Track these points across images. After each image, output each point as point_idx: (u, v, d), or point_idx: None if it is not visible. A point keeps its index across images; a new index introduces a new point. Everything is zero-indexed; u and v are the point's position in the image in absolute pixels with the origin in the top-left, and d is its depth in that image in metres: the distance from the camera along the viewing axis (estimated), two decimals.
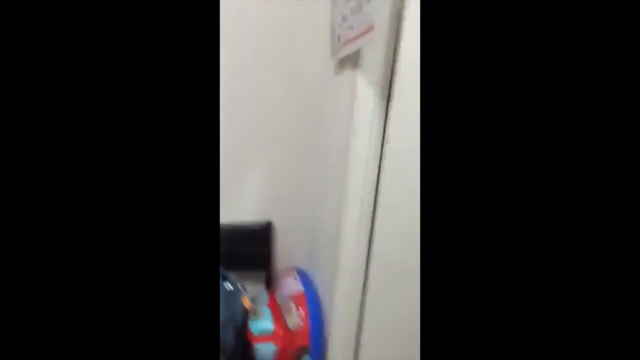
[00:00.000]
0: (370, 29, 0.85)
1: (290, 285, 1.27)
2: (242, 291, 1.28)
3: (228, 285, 1.24)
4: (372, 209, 1.06)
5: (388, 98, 1.01)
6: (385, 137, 1.01)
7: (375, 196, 1.05)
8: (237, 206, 1.40)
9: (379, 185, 1.04)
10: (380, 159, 1.03)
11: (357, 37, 0.95)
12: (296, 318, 1.14)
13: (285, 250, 1.47)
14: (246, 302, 1.27)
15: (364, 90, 1.02)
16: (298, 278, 1.28)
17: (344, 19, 1.18)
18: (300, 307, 1.16)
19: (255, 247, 1.41)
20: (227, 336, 1.18)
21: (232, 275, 1.28)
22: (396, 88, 0.98)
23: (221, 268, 1.30)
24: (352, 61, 1.14)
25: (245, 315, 1.24)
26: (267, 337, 1.18)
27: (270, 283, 1.45)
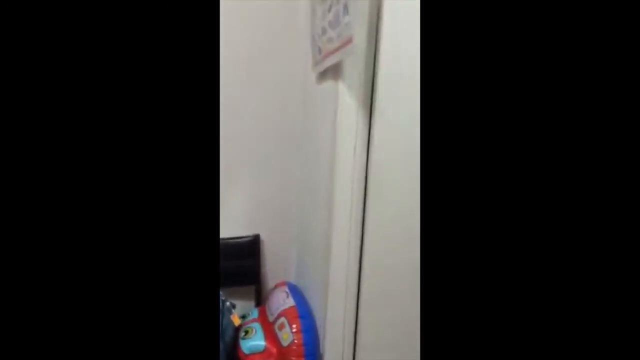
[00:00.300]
0: (349, 41, 0.86)
1: (281, 300, 1.24)
2: (230, 308, 1.25)
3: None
4: (361, 219, 1.06)
5: (370, 107, 1.02)
6: (370, 146, 1.02)
7: (364, 206, 1.05)
8: (224, 220, 1.37)
9: (366, 195, 1.04)
10: (367, 168, 1.03)
11: (337, 50, 0.96)
12: (289, 334, 1.12)
13: (275, 264, 1.45)
14: (235, 320, 1.24)
15: (346, 100, 1.02)
16: (289, 292, 1.26)
17: (324, 31, 1.20)
18: (292, 323, 1.13)
19: (243, 262, 1.38)
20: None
21: (220, 292, 1.24)
22: (377, 96, 0.99)
23: None
24: (333, 73, 1.15)
25: (235, 333, 1.21)
26: (258, 355, 1.15)
27: (260, 298, 1.42)
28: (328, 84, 1.19)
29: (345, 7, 0.87)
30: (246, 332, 1.21)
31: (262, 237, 1.42)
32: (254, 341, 1.17)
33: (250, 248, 1.39)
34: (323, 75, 1.27)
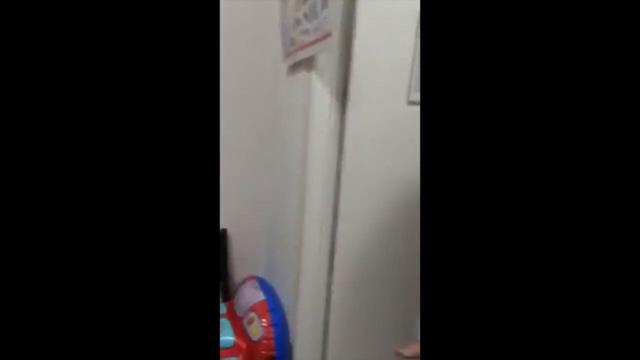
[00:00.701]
0: (328, 34, 0.86)
1: (250, 295, 1.22)
2: None
3: None
4: (333, 211, 1.06)
5: (344, 99, 1.02)
6: (343, 138, 1.02)
7: (336, 199, 1.06)
8: None
9: (339, 187, 1.05)
10: (340, 160, 1.04)
11: (314, 42, 0.95)
12: (259, 328, 1.10)
13: (242, 260, 1.42)
14: None
15: (320, 92, 1.02)
16: (259, 286, 1.24)
17: (298, 22, 1.18)
18: (262, 317, 1.12)
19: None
20: None
21: None
22: (351, 88, 1.00)
23: None
24: (306, 65, 1.14)
25: None
26: (227, 350, 1.12)
27: (227, 294, 1.39)
28: (301, 75, 1.18)
29: (325, 1, 0.86)
30: None
31: (229, 231, 1.39)
32: (223, 336, 1.14)
33: None
34: (295, 66, 1.26)
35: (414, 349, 0.69)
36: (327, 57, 1.01)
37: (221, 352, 1.12)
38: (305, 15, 1.01)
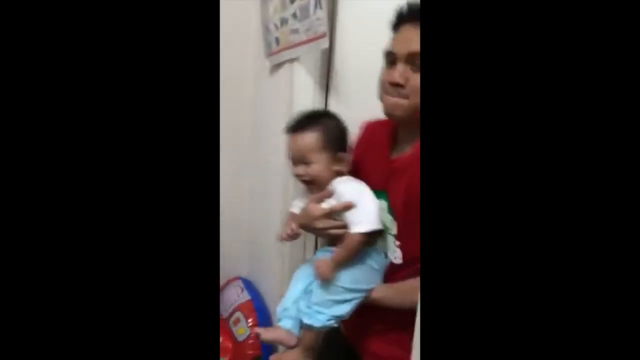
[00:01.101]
0: (322, 35, 0.87)
1: (236, 295, 1.22)
2: None
3: None
4: None
5: (326, 93, 1.04)
6: None
7: None
8: None
9: None
10: None
11: (305, 42, 0.96)
12: (245, 328, 1.10)
13: (225, 260, 1.40)
14: None
15: (303, 86, 1.04)
16: (243, 287, 1.23)
17: (284, 22, 1.18)
18: (249, 316, 1.12)
19: None
20: None
21: None
22: (333, 84, 1.02)
23: None
24: (288, 65, 1.15)
25: None
26: None
27: None
28: (282, 76, 1.19)
29: (318, 2, 0.88)
30: None
31: None
32: None
33: None
34: (277, 66, 1.26)
35: (276, 333, 0.72)
36: (309, 57, 1.03)
37: None
38: (295, 15, 1.02)
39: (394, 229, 0.69)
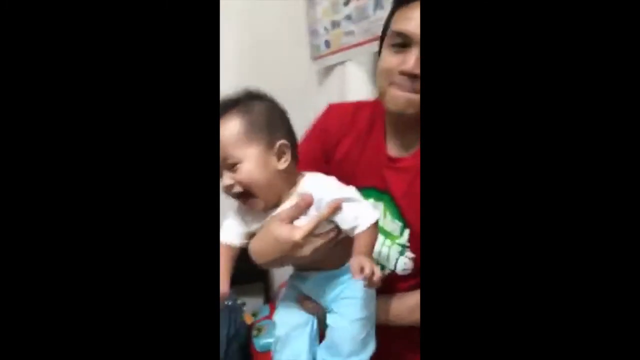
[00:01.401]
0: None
1: None
2: (241, 307, 1.24)
3: (227, 301, 1.19)
4: None
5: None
6: None
7: None
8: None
9: None
10: None
11: (362, 44, 0.95)
12: None
13: None
14: (248, 318, 1.23)
15: (355, 87, 1.03)
16: None
17: (335, 25, 1.18)
18: None
19: (250, 261, 1.37)
20: (230, 355, 1.13)
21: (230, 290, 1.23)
22: None
23: None
24: (339, 69, 1.15)
25: (248, 332, 1.20)
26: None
27: (268, 295, 1.41)
28: (333, 78, 1.19)
29: (379, 2, 0.86)
30: (259, 330, 1.20)
31: None
32: (267, 339, 1.16)
33: None
34: (327, 70, 1.26)
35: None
36: (359, 60, 1.02)
37: (266, 354, 1.14)
38: (349, 17, 1.01)
39: (404, 236, 0.58)
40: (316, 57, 1.32)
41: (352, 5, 1.00)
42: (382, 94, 0.57)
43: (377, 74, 0.58)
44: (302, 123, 1.31)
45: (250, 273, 1.38)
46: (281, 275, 1.43)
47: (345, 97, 1.06)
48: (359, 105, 0.67)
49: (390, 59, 0.54)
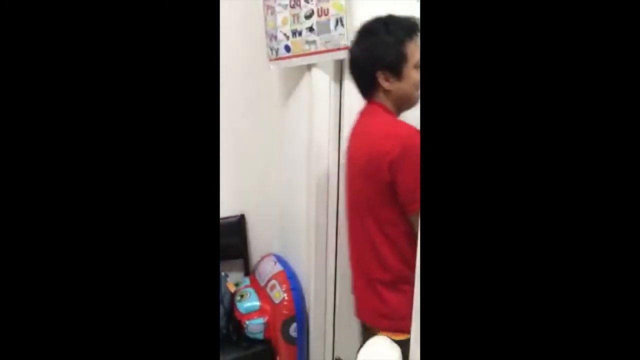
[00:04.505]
0: (345, 47, 1.07)
1: (270, 267, 1.45)
2: (225, 277, 1.43)
3: None
4: (336, 188, 1.28)
5: (340, 93, 1.23)
6: (342, 127, 1.23)
7: (338, 176, 1.26)
8: None
9: (340, 172, 1.26)
10: (339, 148, 1.25)
11: (322, 52, 1.16)
12: (280, 292, 1.33)
13: (259, 240, 1.64)
14: (230, 286, 1.43)
15: (321, 88, 1.23)
16: (276, 260, 1.46)
17: (296, 33, 1.36)
18: (282, 283, 1.35)
19: (231, 239, 1.56)
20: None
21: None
22: (346, 84, 1.20)
23: None
24: (305, 69, 1.34)
25: (232, 298, 1.40)
26: (255, 313, 1.35)
27: (247, 269, 1.61)
28: (302, 80, 1.38)
29: (340, 21, 1.07)
30: (242, 296, 1.40)
31: (247, 216, 1.60)
32: (250, 302, 1.37)
33: (237, 226, 1.57)
34: (294, 70, 1.44)
35: None
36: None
37: (250, 315, 1.35)
38: (311, 29, 1.20)
39: None
40: (274, 59, 1.48)
41: (313, 19, 1.19)
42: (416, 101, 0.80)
43: (411, 88, 0.81)
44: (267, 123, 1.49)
45: (231, 251, 1.57)
46: (259, 251, 1.63)
47: (312, 99, 1.25)
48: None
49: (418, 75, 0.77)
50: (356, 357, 0.81)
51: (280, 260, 1.47)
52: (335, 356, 1.35)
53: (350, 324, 1.20)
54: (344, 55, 1.10)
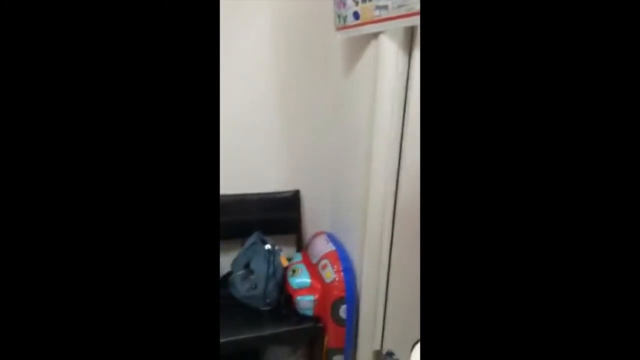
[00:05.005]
0: (419, 12, 0.95)
1: (322, 246, 1.42)
2: (279, 251, 1.43)
3: (267, 246, 1.38)
4: (396, 173, 1.19)
5: (409, 65, 1.11)
6: (408, 104, 1.12)
7: (398, 162, 1.17)
8: (269, 177, 1.53)
9: (402, 152, 1.16)
10: (403, 126, 1.15)
11: (394, 18, 1.05)
12: (331, 272, 1.30)
13: (313, 216, 1.61)
14: (284, 261, 1.43)
15: (386, 58, 1.12)
16: (328, 239, 1.42)
17: None
18: (334, 263, 1.31)
19: (286, 214, 1.55)
20: (270, 291, 1.34)
21: (269, 238, 1.42)
22: (415, 54, 1.08)
23: (259, 232, 1.45)
24: (372, 40, 1.23)
25: (284, 272, 1.40)
26: (306, 289, 1.34)
27: (300, 245, 1.61)
28: (368, 47, 1.28)
29: None
30: (293, 271, 1.40)
31: (302, 192, 1.58)
32: (301, 278, 1.36)
33: (292, 201, 1.56)
34: (358, 40, 1.35)
35: None
36: (392, 32, 1.10)
37: (300, 291, 1.34)
38: None
39: None
40: (342, 27, 1.39)
41: None
42: None
43: None
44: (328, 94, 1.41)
45: (285, 226, 1.56)
46: (311, 230, 1.61)
47: (378, 69, 1.16)
48: None
49: None
50: (410, 352, 0.74)
51: (332, 239, 1.43)
52: (386, 349, 1.30)
53: (402, 314, 1.13)
54: (417, 21, 0.98)
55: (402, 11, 1.05)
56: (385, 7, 1.10)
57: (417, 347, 0.71)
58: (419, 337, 0.76)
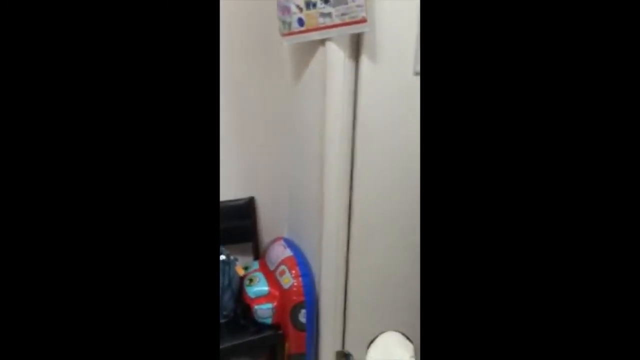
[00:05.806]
0: (362, 20, 0.98)
1: (279, 252, 1.40)
2: (234, 261, 1.40)
3: (221, 257, 1.35)
4: (349, 176, 1.21)
5: (356, 71, 1.14)
6: (356, 108, 1.15)
7: (351, 165, 1.20)
8: (221, 186, 1.48)
9: (354, 155, 1.19)
10: (354, 130, 1.18)
11: (338, 25, 1.07)
12: (289, 278, 1.29)
13: (270, 222, 1.60)
14: (239, 270, 1.40)
15: (334, 66, 1.14)
16: (286, 245, 1.42)
17: (310, 5, 1.27)
18: (292, 269, 1.30)
19: (241, 222, 1.52)
20: (226, 302, 1.31)
21: (223, 248, 1.38)
22: (363, 59, 1.11)
23: None
24: (318, 44, 1.25)
25: (240, 282, 1.37)
26: (264, 298, 1.32)
27: (257, 253, 1.58)
28: (316, 53, 1.29)
29: None
30: (250, 280, 1.37)
31: (257, 199, 1.56)
32: (259, 287, 1.34)
33: (246, 209, 1.53)
34: (307, 45, 1.36)
35: None
36: (340, 37, 1.13)
37: (258, 299, 1.32)
38: (326, 0, 1.11)
39: None
40: (286, 33, 1.40)
41: None
42: None
43: None
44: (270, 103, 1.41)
45: (240, 234, 1.53)
46: (269, 234, 1.59)
47: (327, 74, 1.18)
48: None
49: None
50: (366, 351, 0.76)
51: (290, 244, 1.43)
52: (344, 349, 1.31)
53: (361, 314, 1.16)
54: (361, 28, 1.01)
55: (346, 19, 1.09)
56: (329, 15, 1.12)
57: (373, 346, 0.73)
58: (377, 335, 0.78)
